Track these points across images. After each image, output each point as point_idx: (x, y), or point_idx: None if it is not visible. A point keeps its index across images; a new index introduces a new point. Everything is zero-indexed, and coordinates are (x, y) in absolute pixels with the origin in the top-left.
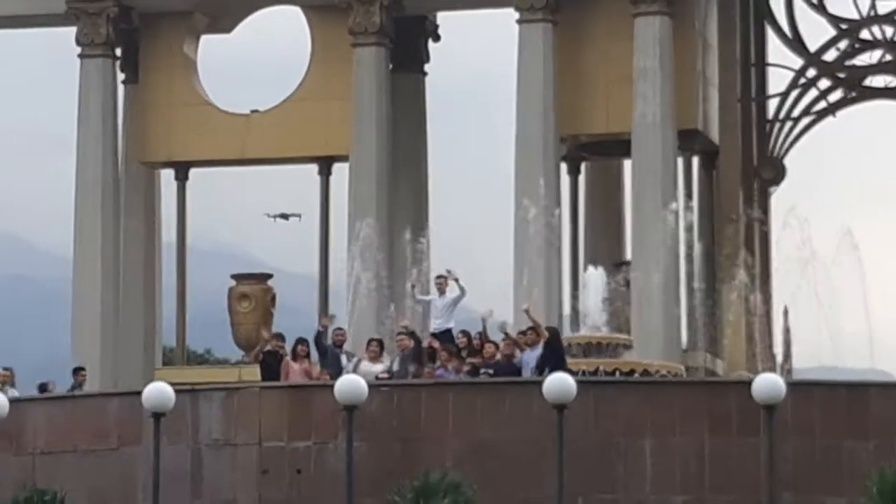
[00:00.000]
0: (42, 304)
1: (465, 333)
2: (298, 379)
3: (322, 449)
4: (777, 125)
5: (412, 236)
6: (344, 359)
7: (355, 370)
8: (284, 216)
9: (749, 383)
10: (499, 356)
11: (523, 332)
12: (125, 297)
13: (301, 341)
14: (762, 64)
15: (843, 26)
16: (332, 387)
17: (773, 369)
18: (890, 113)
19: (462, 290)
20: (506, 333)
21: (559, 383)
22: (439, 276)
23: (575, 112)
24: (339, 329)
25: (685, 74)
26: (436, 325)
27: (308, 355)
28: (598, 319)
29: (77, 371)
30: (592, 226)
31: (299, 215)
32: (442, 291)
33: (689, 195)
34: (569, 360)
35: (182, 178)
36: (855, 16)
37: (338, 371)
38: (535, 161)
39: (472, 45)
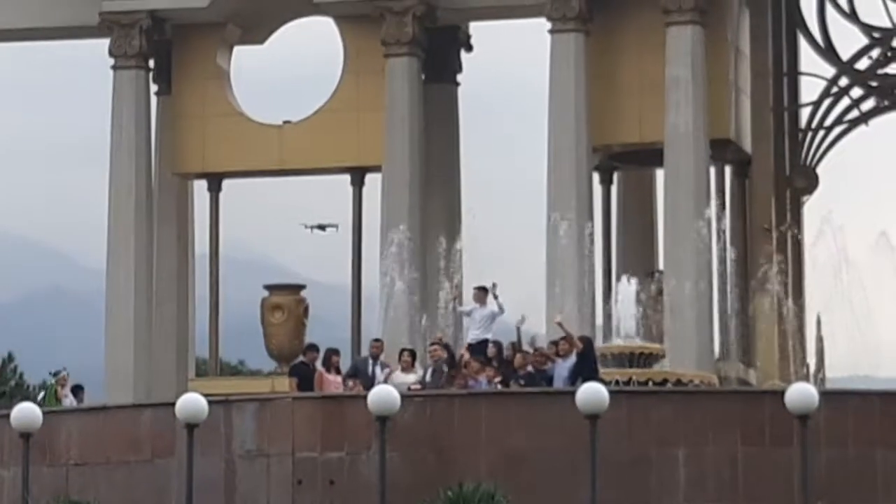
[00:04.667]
0: (78, 315)
1: (496, 344)
2: (333, 389)
3: (355, 459)
4: (809, 134)
5: (445, 246)
6: (378, 370)
7: (387, 380)
8: (321, 227)
9: (782, 393)
10: (530, 367)
11: (555, 343)
12: (158, 307)
13: (333, 351)
14: (794, 73)
15: (876, 35)
16: (364, 397)
17: (806, 378)
18: None
19: (500, 307)
20: (535, 347)
21: (592, 393)
22: (480, 287)
23: (607, 121)
24: (377, 341)
25: (717, 84)
26: (473, 335)
27: (339, 365)
28: (631, 329)
29: (77, 390)
30: (625, 235)
31: (336, 226)
32: (482, 302)
33: (721, 204)
34: (602, 370)
35: (215, 188)
36: (887, 24)
37: (368, 381)
38: (567, 171)
39: (504, 55)
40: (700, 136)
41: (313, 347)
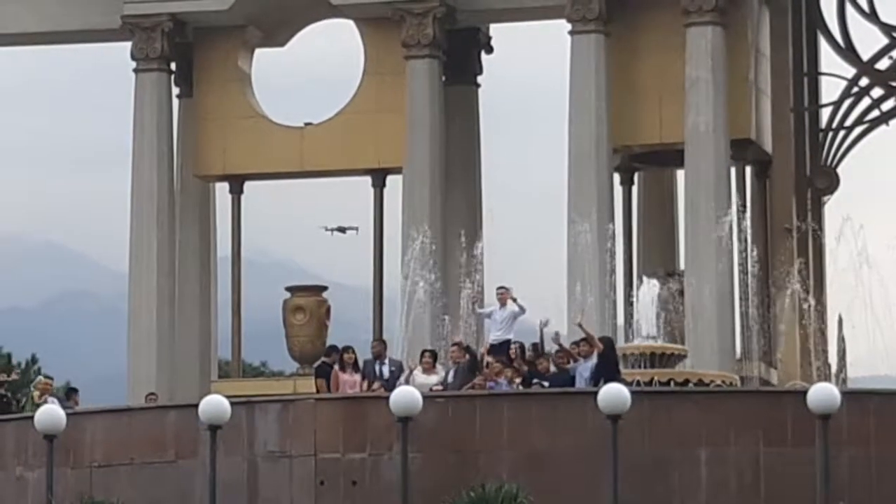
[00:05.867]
0: (104, 318)
1: (518, 344)
2: (348, 389)
3: (377, 460)
4: (830, 134)
5: (466, 247)
6: (385, 369)
7: (408, 382)
8: (342, 229)
9: (804, 393)
10: (553, 368)
11: (576, 343)
12: (181, 310)
13: (346, 349)
14: (815, 73)
15: None
16: (386, 398)
17: (827, 379)
18: None
19: (521, 307)
20: (559, 344)
21: (613, 394)
22: (501, 287)
23: (628, 122)
24: (376, 341)
25: (738, 84)
26: (495, 336)
27: (356, 363)
28: (653, 330)
29: (71, 393)
30: (646, 236)
31: (356, 228)
32: (503, 303)
33: (742, 205)
34: (623, 371)
35: (237, 191)
36: None
37: (374, 381)
38: (588, 172)
39: (524, 56)
40: (720, 136)
41: (336, 349)
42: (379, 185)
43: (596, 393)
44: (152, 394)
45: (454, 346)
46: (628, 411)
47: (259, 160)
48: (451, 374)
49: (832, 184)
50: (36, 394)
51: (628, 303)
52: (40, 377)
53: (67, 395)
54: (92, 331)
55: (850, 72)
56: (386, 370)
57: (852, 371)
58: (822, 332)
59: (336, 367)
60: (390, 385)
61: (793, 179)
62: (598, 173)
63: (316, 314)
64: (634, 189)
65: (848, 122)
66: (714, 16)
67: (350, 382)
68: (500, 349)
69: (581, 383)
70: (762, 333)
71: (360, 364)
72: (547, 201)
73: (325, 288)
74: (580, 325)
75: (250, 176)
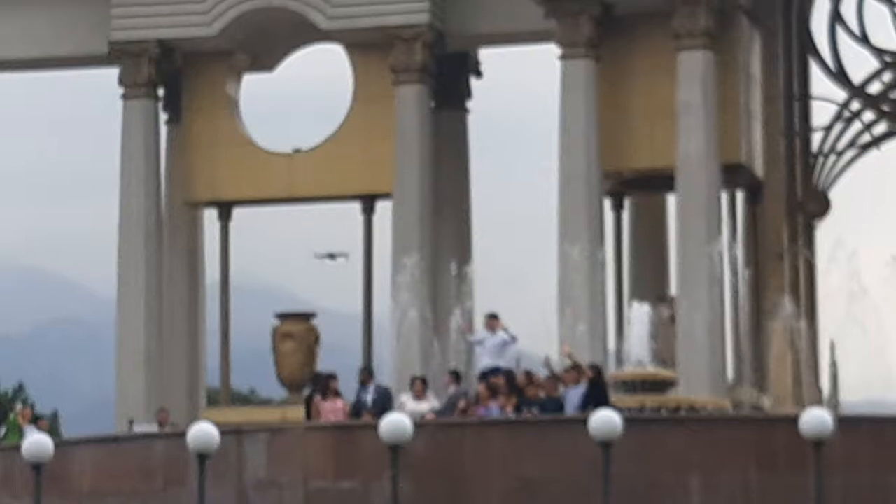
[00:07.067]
0: (91, 345)
1: (506, 373)
2: (330, 416)
3: (367, 488)
4: (821, 159)
5: (456, 273)
6: (368, 397)
7: (399, 409)
8: (332, 256)
9: (796, 419)
10: (542, 394)
11: (566, 370)
12: (169, 337)
13: (330, 376)
14: (806, 97)
15: (887, 59)
16: (376, 426)
17: (819, 404)
18: None
19: (512, 336)
20: (550, 369)
21: (605, 420)
22: (490, 315)
23: (618, 147)
24: (363, 370)
25: (729, 108)
26: (485, 363)
27: (338, 391)
28: (643, 355)
29: (34, 421)
30: (637, 261)
31: (346, 255)
32: (494, 330)
33: (733, 230)
34: (614, 397)
35: (225, 217)
36: None
37: (361, 408)
38: (578, 197)
39: (514, 81)
40: (711, 160)
41: (321, 376)
42: (368, 211)
43: (587, 420)
44: (163, 409)
45: (448, 375)
46: (620, 438)
47: (247, 186)
48: (444, 402)
49: (823, 208)
50: (21, 420)
51: (619, 328)
52: (19, 404)
53: (33, 424)
54: (80, 358)
55: (842, 96)
56: (369, 397)
57: (844, 396)
58: (814, 357)
59: (318, 395)
60: (376, 411)
61: (784, 204)
62: (589, 198)
63: (305, 341)
64: (625, 214)
65: (839, 147)
66: (705, 40)
67: (332, 409)
68: (490, 376)
69: (570, 410)
70: (754, 359)
71: (352, 391)
72: (537, 226)
73: (314, 315)
74: (569, 356)
75: (239, 202)
